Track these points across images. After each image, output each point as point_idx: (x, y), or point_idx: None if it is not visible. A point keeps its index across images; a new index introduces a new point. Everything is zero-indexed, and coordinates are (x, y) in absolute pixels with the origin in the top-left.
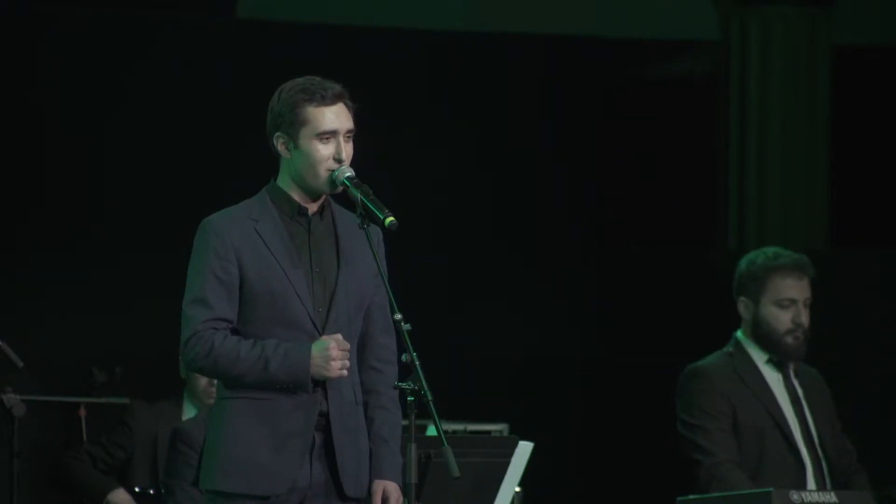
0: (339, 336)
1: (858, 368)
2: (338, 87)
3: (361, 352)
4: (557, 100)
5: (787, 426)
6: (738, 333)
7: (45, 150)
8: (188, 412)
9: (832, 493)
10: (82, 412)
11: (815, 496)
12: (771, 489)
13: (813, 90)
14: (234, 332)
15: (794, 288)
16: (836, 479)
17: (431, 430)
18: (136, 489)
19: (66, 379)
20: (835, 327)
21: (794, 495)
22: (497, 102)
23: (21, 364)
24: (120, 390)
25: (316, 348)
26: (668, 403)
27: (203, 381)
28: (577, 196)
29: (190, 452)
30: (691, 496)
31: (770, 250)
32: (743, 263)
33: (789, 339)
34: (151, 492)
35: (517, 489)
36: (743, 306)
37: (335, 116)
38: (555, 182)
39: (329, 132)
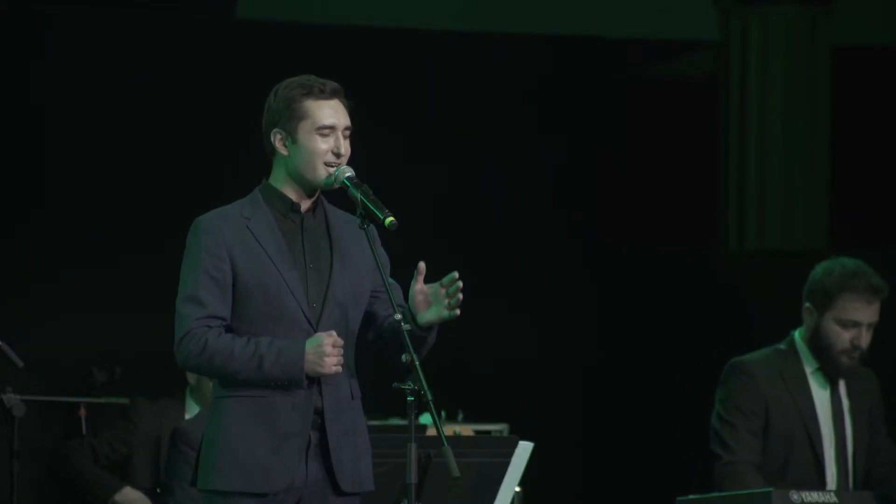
0: (334, 332)
1: None
2: (335, 84)
3: (373, 325)
4: (557, 100)
5: (819, 439)
6: (796, 333)
7: (46, 151)
8: (191, 411)
9: (832, 493)
10: (82, 412)
11: (815, 496)
12: (771, 489)
13: (813, 90)
14: (229, 329)
15: (862, 311)
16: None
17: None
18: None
19: (66, 379)
20: None
21: (794, 495)
22: (497, 102)
23: (21, 364)
24: (120, 390)
25: (310, 345)
26: (667, 403)
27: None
28: (577, 196)
29: (190, 452)
30: (691, 496)
31: (850, 264)
32: (818, 270)
33: (844, 359)
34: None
35: (517, 489)
36: (807, 313)
37: (334, 111)
38: (555, 182)
39: (328, 127)
